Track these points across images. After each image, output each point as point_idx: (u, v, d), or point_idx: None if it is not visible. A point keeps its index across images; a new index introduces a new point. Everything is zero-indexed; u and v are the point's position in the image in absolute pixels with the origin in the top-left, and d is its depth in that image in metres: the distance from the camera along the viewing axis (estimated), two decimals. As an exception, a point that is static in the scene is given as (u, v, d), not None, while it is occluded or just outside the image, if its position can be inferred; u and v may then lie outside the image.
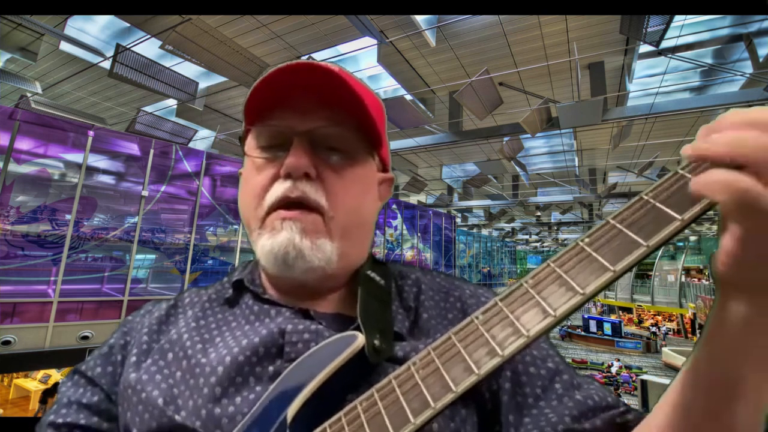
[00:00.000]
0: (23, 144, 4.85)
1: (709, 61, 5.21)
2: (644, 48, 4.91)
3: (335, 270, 0.47)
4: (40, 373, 8.73)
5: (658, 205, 0.29)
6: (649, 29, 3.50)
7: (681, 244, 25.62)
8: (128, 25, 4.65)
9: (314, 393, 0.37)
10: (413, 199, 13.41)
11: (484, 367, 0.29)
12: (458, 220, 15.44)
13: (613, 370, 12.84)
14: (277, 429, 0.36)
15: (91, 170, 5.37)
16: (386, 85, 6.40)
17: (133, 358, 0.47)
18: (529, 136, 5.92)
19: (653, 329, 19.20)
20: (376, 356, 0.40)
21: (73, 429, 0.45)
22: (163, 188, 6.05)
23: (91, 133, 5.28)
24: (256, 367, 0.43)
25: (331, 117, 0.46)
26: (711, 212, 0.28)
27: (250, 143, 0.50)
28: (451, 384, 0.30)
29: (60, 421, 0.45)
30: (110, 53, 4.86)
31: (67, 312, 4.92)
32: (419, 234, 11.43)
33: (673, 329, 20.65)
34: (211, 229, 6.98)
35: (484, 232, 20.62)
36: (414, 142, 7.03)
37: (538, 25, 4.74)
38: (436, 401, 0.30)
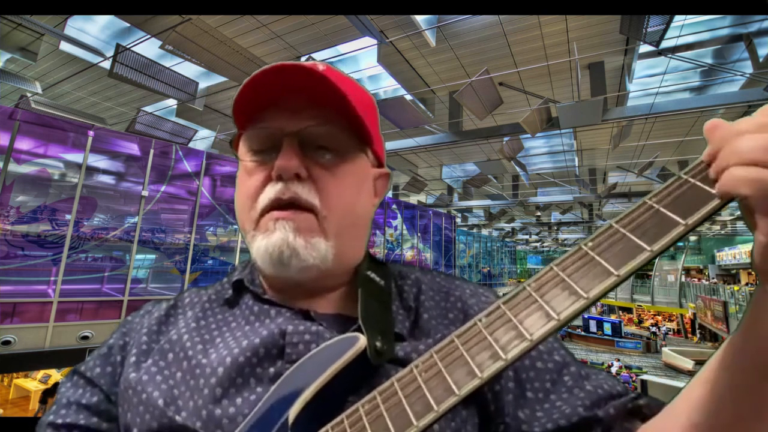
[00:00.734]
0: (23, 144, 4.84)
1: (709, 61, 5.20)
2: (644, 48, 4.91)
3: (332, 268, 0.47)
4: (40, 373, 8.73)
5: (661, 209, 0.29)
6: (649, 29, 3.50)
7: (681, 244, 25.59)
8: (128, 25, 4.64)
9: (316, 395, 0.37)
10: (413, 199, 13.41)
11: (487, 370, 0.29)
12: (458, 220, 15.44)
13: (613, 370, 12.85)
14: (279, 431, 0.36)
15: (91, 170, 5.36)
16: (386, 85, 6.40)
17: (133, 359, 0.47)
18: (529, 136, 5.91)
19: (653, 329, 19.24)
20: (377, 358, 0.39)
21: (72, 429, 0.44)
22: (163, 188, 6.04)
23: (91, 133, 5.27)
24: (256, 368, 0.42)
25: (320, 116, 0.46)
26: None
27: (242, 147, 0.50)
28: (454, 387, 0.30)
29: (59, 421, 0.45)
30: (110, 53, 4.86)
31: (67, 312, 4.92)
32: (419, 234, 11.42)
33: (673, 329, 20.70)
34: (211, 229, 6.98)
35: (484, 232, 20.61)
36: (414, 142, 7.02)
37: (538, 25, 4.74)
38: (439, 404, 0.30)
